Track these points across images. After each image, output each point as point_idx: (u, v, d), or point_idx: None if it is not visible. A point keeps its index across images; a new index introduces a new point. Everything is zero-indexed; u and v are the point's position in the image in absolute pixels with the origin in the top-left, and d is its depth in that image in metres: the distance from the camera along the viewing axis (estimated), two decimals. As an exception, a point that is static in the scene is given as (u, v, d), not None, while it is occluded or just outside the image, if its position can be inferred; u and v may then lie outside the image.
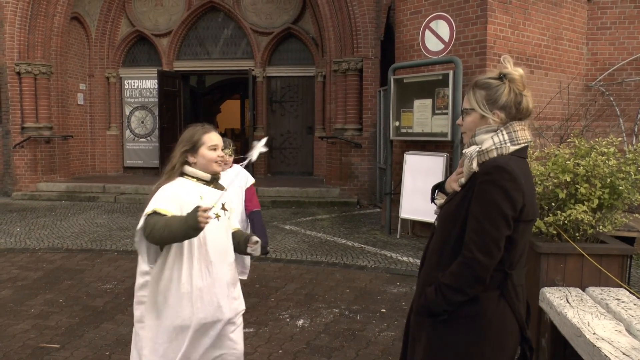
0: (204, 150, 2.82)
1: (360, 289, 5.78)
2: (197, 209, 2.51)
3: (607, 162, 3.63)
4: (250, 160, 2.72)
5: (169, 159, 2.88)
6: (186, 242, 2.75)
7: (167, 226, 2.57)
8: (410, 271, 6.45)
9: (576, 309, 3.09)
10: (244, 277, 4.88)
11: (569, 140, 4.26)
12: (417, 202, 7.81)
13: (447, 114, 7.58)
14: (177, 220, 2.57)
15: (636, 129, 8.54)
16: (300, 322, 4.87)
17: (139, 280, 3.31)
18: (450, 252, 2.08)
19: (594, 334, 2.74)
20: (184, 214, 2.62)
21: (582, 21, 8.77)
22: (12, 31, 12.15)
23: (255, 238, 2.94)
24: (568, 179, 3.65)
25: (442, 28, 7.99)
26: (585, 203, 3.61)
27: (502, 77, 2.09)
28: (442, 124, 7.70)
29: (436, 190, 2.37)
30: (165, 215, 2.66)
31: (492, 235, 1.95)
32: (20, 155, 12.51)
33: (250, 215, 4.81)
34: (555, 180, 3.72)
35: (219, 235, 2.88)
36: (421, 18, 8.26)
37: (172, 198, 2.74)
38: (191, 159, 2.83)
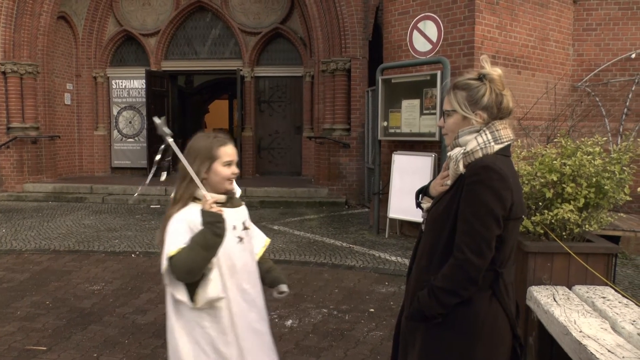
0: (217, 167, 2.43)
1: (349, 289, 5.79)
2: (204, 209, 2.27)
3: (592, 161, 3.66)
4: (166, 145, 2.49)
5: (178, 177, 2.46)
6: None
7: (188, 254, 2.26)
8: (398, 271, 6.47)
9: (563, 307, 3.12)
10: None
11: (555, 140, 4.30)
12: (406, 202, 7.83)
13: (435, 114, 7.61)
14: (193, 239, 2.28)
15: (621, 129, 8.63)
16: (289, 322, 4.87)
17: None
18: (441, 255, 2.08)
19: (580, 332, 2.77)
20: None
21: (568, 22, 8.85)
22: (-3, 30, 12.04)
23: (283, 287, 2.71)
24: (555, 179, 3.68)
25: (430, 28, 8.02)
26: (572, 202, 3.64)
27: (481, 77, 2.10)
28: (430, 124, 7.73)
29: (420, 195, 2.38)
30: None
31: (483, 235, 1.96)
32: (6, 156, 12.39)
33: None
34: (542, 180, 3.75)
35: (245, 258, 2.55)
36: (409, 18, 8.29)
37: (194, 229, 2.32)
38: (203, 176, 2.41)
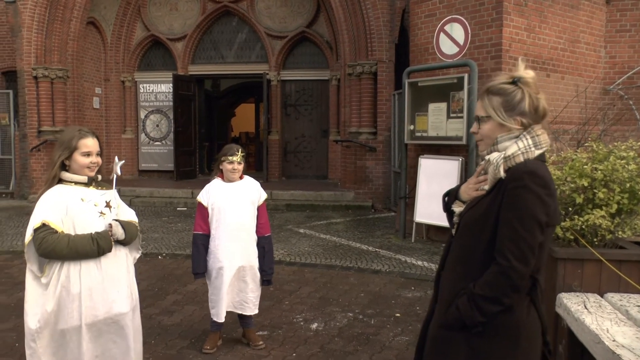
0: (77, 156, 2.90)
1: (375, 293, 5.76)
2: (108, 233, 2.87)
3: (626, 166, 3.57)
4: (116, 176, 3.07)
5: (51, 163, 2.95)
6: None
7: (70, 248, 2.76)
8: (424, 275, 6.41)
9: (594, 315, 3.04)
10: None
11: (586, 144, 4.21)
12: (432, 206, 7.76)
13: (462, 117, 7.54)
14: (83, 244, 2.79)
15: (655, 133, 8.43)
16: (315, 325, 4.85)
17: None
18: (480, 261, 2.02)
19: (614, 340, 2.70)
20: (73, 217, 2.83)
21: (600, 24, 8.68)
22: (29, 36, 12.28)
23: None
24: (585, 184, 3.60)
25: (457, 31, 7.95)
26: (604, 208, 3.56)
27: (515, 81, 2.05)
28: (457, 127, 7.66)
29: (447, 198, 2.33)
30: (54, 229, 2.78)
31: (528, 242, 1.91)
32: (36, 159, 12.62)
33: (260, 240, 4.35)
34: (572, 185, 3.67)
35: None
36: (436, 21, 8.23)
37: (55, 205, 2.83)
38: (66, 162, 2.92)
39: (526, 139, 2.02)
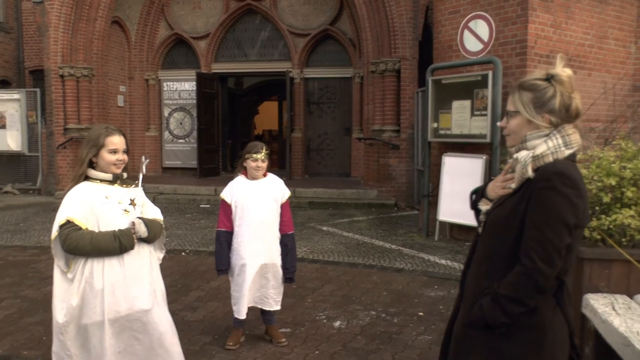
0: (103, 153, 2.96)
1: (397, 292, 5.74)
2: (130, 230, 2.91)
3: (656, 164, 3.50)
4: (142, 175, 3.13)
5: (79, 160, 3.01)
6: None
7: (93, 245, 2.82)
8: (448, 274, 6.37)
9: (623, 317, 2.99)
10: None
11: (614, 142, 4.14)
12: (456, 205, 7.70)
13: (486, 115, 7.46)
14: (106, 242, 2.85)
15: (686, 131, 8.24)
16: (337, 323, 4.85)
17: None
18: (505, 261, 1.99)
19: (643, 343, 2.64)
20: (97, 214, 2.89)
21: (630, 19, 8.49)
22: (56, 35, 12.48)
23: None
24: (613, 183, 3.54)
25: (481, 28, 7.87)
26: (633, 207, 3.49)
27: (549, 78, 2.00)
28: (481, 125, 7.58)
29: (474, 196, 2.30)
30: (79, 225, 2.85)
31: (554, 243, 1.88)
32: (62, 156, 12.83)
33: (283, 238, 4.34)
34: (599, 184, 3.61)
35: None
36: (460, 18, 8.15)
37: (80, 202, 2.90)
38: (93, 160, 2.98)
39: (556, 138, 1.98)
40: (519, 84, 2.07)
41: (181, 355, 3.13)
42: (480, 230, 2.18)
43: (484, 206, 2.20)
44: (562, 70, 2.01)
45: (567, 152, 1.98)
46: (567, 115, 2.00)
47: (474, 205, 2.28)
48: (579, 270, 3.50)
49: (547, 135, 2.00)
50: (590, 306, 3.27)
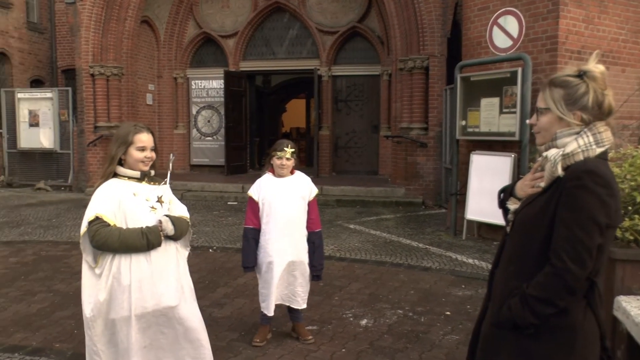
0: (132, 150, 3.00)
1: (425, 291, 5.70)
2: (157, 227, 2.93)
3: (691, 163, 3.42)
4: (169, 172, 3.17)
5: (108, 157, 3.05)
6: None
7: (121, 242, 2.85)
8: (475, 274, 6.31)
9: (656, 319, 2.92)
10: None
11: (648, 140, 4.05)
12: (484, 203, 7.62)
13: (515, 112, 7.36)
14: (133, 238, 2.87)
15: None
16: (364, 321, 4.84)
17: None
18: (534, 261, 1.96)
19: (676, 346, 2.58)
20: (125, 211, 2.92)
21: (666, 12, 8.27)
22: (87, 35, 12.72)
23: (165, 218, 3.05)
24: (647, 181, 3.46)
25: (511, 24, 7.75)
26: (667, 207, 3.42)
27: (581, 74, 1.96)
28: (509, 123, 7.48)
29: (502, 194, 2.26)
30: (107, 222, 2.88)
31: (585, 243, 1.84)
32: (92, 153, 13.07)
33: (311, 236, 4.34)
34: (633, 183, 3.54)
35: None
36: (489, 14, 8.05)
37: (109, 199, 2.93)
38: (122, 157, 3.02)
39: (587, 136, 1.94)
40: (550, 81, 2.03)
41: (209, 352, 3.16)
42: (508, 229, 2.15)
43: (513, 205, 2.16)
44: (595, 67, 1.96)
45: (599, 150, 1.93)
46: (599, 113, 1.96)
47: (502, 204, 2.24)
48: (610, 271, 3.43)
49: (577, 132, 1.96)
50: (622, 308, 3.21)
